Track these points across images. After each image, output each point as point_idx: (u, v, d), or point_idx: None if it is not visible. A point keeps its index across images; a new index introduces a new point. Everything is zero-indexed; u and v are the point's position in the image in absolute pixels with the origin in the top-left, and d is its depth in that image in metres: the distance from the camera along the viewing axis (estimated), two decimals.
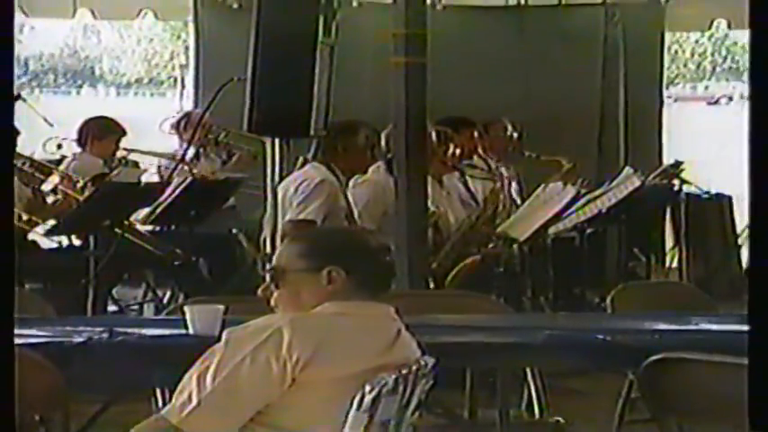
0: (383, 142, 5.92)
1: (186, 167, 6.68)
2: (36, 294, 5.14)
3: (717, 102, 37.02)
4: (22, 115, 6.10)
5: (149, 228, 6.42)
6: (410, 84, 5.38)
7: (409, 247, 5.34)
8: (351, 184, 5.90)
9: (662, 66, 9.20)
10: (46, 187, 6.09)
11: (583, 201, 6.40)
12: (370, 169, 5.94)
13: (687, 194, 7.91)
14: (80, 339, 3.57)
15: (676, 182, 7.75)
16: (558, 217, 6.22)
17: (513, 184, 6.96)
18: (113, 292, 6.45)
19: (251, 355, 2.66)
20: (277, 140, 5.67)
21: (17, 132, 5.10)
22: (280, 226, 5.62)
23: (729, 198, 8.15)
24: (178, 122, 7.54)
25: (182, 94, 24.39)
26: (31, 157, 6.36)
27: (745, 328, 4.06)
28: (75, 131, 6.98)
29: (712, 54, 36.68)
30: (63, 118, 7.76)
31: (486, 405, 4.77)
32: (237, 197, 6.99)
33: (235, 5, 8.12)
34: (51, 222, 5.97)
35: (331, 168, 5.77)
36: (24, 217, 5.83)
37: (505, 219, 6.31)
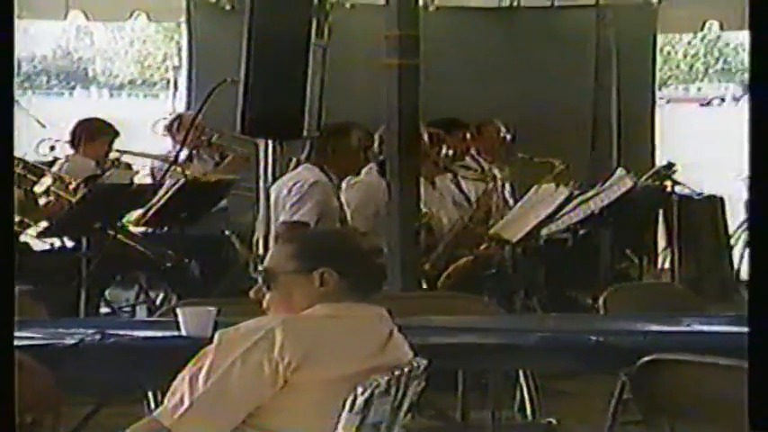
0: (376, 144, 5.92)
1: (179, 169, 6.67)
2: (28, 296, 5.13)
3: (709, 103, 37.08)
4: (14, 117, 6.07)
5: (142, 229, 6.42)
6: (403, 85, 5.38)
7: (402, 248, 5.34)
8: (343, 185, 5.90)
9: (654, 67, 9.22)
10: (38, 189, 6.08)
11: (575, 202, 6.41)
12: (363, 171, 5.95)
13: (679, 196, 7.92)
14: (72, 341, 3.57)
15: (668, 183, 7.76)
16: (550, 218, 6.22)
17: (506, 186, 6.97)
18: (106, 293, 6.45)
19: (243, 357, 2.66)
20: (270, 142, 5.68)
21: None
22: (273, 227, 5.63)
23: (721, 199, 8.17)
24: (171, 124, 7.53)
25: (174, 96, 24.37)
26: (24, 158, 6.35)
27: (736, 329, 4.09)
28: (67, 133, 6.97)
29: (705, 55, 36.75)
30: (56, 119, 7.76)
31: (479, 406, 4.78)
32: (230, 199, 6.98)
33: (228, 7, 8.12)
34: (44, 224, 5.96)
35: (324, 170, 5.77)
36: (16, 218, 5.82)
37: (498, 220, 6.31)
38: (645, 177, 7.60)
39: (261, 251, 5.59)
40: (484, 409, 4.68)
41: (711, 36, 29.38)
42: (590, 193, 6.58)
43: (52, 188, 6.09)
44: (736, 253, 8.21)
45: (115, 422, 3.01)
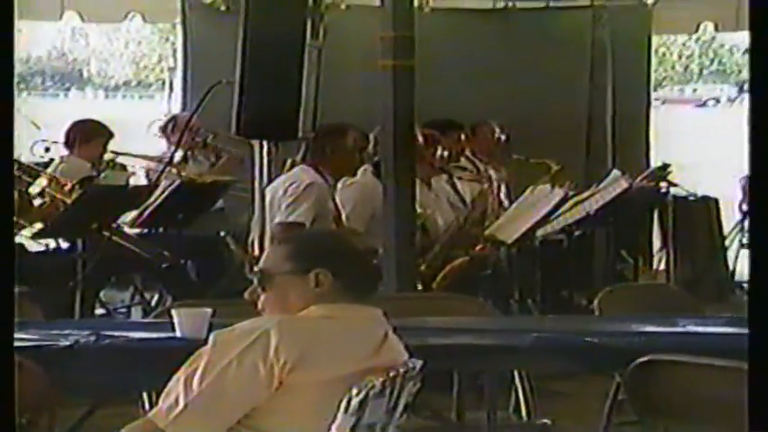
0: (371, 145, 5.92)
1: (174, 170, 6.67)
2: (23, 297, 5.12)
3: (704, 104, 37.11)
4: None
5: (137, 230, 6.41)
6: (398, 86, 5.38)
7: (397, 249, 5.34)
8: (339, 186, 5.91)
9: (649, 68, 9.23)
10: (33, 190, 6.07)
11: (570, 203, 6.41)
12: (359, 172, 5.95)
13: (674, 197, 7.93)
14: (67, 342, 3.57)
15: (664, 184, 7.77)
16: (546, 219, 6.23)
17: (502, 187, 6.97)
18: (101, 294, 6.44)
19: (238, 358, 2.66)
20: (265, 143, 5.68)
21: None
22: (268, 228, 5.63)
23: (716, 200, 8.19)
24: (166, 125, 7.52)
25: (170, 97, 24.35)
26: (19, 159, 6.34)
27: (732, 330, 4.10)
28: (62, 134, 6.96)
29: (699, 56, 36.77)
30: (51, 120, 7.75)
31: (474, 407, 4.78)
32: (225, 200, 6.98)
33: (223, 8, 8.10)
34: (39, 225, 5.95)
35: (319, 171, 5.77)
36: None
37: (494, 221, 6.32)
38: (640, 178, 7.61)
39: (256, 252, 5.59)
40: (479, 409, 4.68)
41: (706, 37, 29.39)
42: (585, 194, 6.59)
43: (47, 189, 6.08)
44: (730, 254, 8.23)
45: (110, 423, 3.01)
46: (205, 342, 2.74)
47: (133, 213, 6.28)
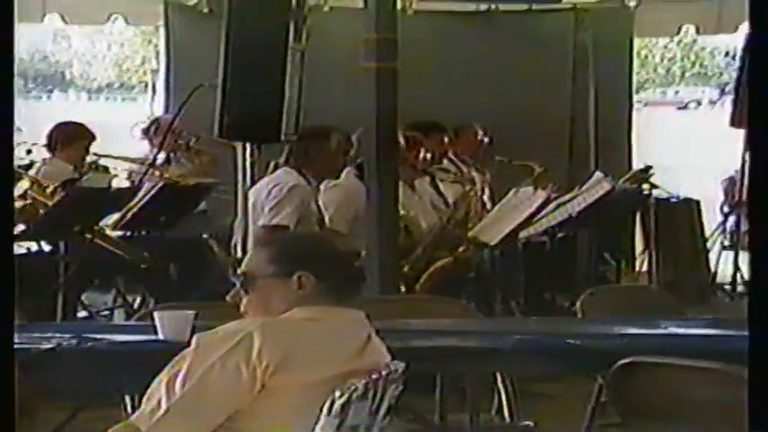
0: (354, 147, 5.92)
1: (157, 172, 6.66)
2: None
3: (686, 106, 37.24)
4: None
5: (119, 233, 6.39)
6: (381, 89, 5.39)
7: (380, 251, 5.34)
8: (322, 188, 5.90)
9: (631, 71, 9.25)
10: (15, 192, 6.05)
11: (553, 205, 6.42)
12: (342, 174, 5.95)
13: (656, 199, 7.96)
14: (49, 345, 3.56)
15: (646, 186, 7.79)
16: (528, 221, 6.24)
17: (485, 189, 6.98)
18: (83, 297, 6.42)
19: (221, 361, 2.66)
20: (248, 145, 5.67)
21: None
22: (251, 231, 5.62)
23: (698, 202, 8.22)
24: (148, 127, 7.50)
25: (152, 99, 24.32)
26: None
27: (713, 331, 4.11)
28: (44, 136, 6.94)
29: (681, 59, 36.90)
30: (33, 123, 7.72)
31: (457, 410, 4.78)
32: (208, 202, 6.97)
33: (205, 10, 8.10)
34: (20, 227, 5.93)
35: (302, 173, 5.77)
36: None
37: (477, 223, 6.32)
38: (622, 180, 7.63)
39: (239, 255, 5.58)
40: (462, 412, 4.69)
41: (688, 40, 29.48)
42: (568, 197, 6.60)
43: (29, 192, 6.06)
44: (712, 256, 8.26)
45: (92, 426, 3.01)
46: (188, 345, 2.74)
47: (116, 216, 6.27)
